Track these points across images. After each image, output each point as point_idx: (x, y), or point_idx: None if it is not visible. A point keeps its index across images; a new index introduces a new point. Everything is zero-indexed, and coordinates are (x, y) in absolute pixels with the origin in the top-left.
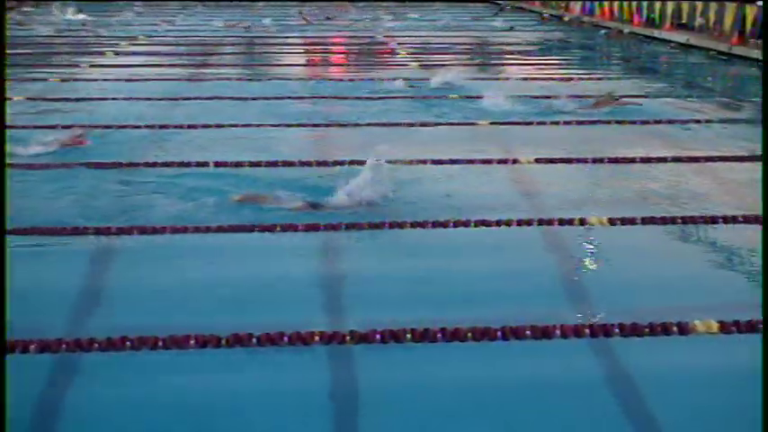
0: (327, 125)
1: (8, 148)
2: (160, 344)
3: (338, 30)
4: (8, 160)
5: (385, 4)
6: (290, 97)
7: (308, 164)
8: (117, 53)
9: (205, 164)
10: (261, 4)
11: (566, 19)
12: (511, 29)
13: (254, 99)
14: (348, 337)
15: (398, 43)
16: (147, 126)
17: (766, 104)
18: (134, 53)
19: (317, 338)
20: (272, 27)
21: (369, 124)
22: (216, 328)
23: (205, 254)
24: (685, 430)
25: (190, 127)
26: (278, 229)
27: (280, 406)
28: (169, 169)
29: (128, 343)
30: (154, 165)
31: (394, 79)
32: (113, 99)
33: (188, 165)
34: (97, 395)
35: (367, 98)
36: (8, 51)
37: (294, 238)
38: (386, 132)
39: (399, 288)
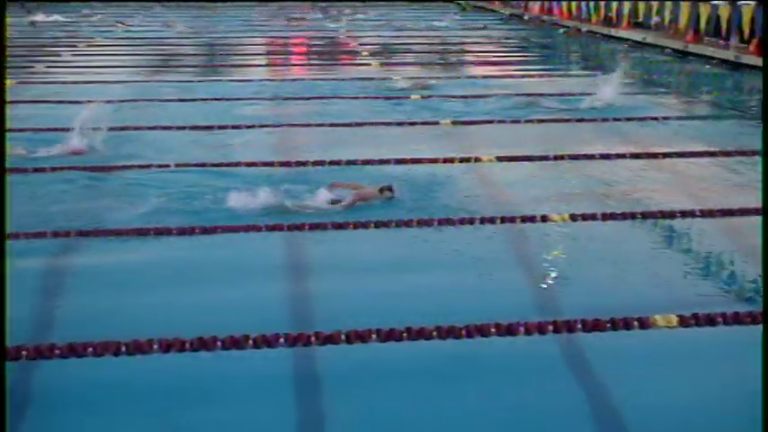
0: (290, 125)
1: None
2: (123, 349)
3: (300, 30)
4: None
5: (345, 3)
6: (249, 98)
7: (270, 164)
8: (74, 55)
9: (166, 166)
10: (220, 4)
11: (525, 18)
12: (484, 27)
13: (214, 100)
14: (313, 338)
15: (360, 43)
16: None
17: (766, 104)
18: (92, 54)
19: (281, 340)
20: (234, 27)
21: (332, 124)
22: (179, 332)
23: (167, 257)
24: (649, 423)
25: (150, 129)
26: (240, 230)
27: (246, 409)
28: (130, 171)
29: (90, 349)
30: (114, 168)
31: (355, 79)
32: (68, 102)
33: (149, 167)
34: (59, 401)
35: (329, 98)
36: None
37: (257, 239)
38: (348, 132)
39: (364, 288)
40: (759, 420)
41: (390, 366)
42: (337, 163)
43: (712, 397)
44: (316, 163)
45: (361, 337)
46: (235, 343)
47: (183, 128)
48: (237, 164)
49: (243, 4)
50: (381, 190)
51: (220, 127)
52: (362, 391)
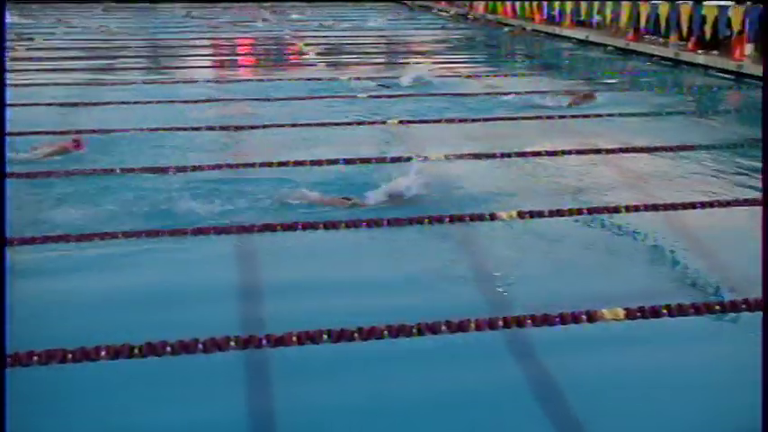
0: (236, 128)
1: None
2: (69, 356)
3: (246, 31)
4: None
5: (292, 3)
6: (194, 101)
7: (219, 167)
8: (14, 58)
9: (111, 171)
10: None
11: (470, 17)
12: (442, 27)
13: (157, 102)
14: (264, 341)
15: (306, 44)
16: (46, 132)
17: (767, 104)
18: (33, 58)
19: (232, 344)
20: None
21: (279, 125)
22: (128, 338)
23: (111, 262)
24: (598, 412)
25: (97, 132)
26: (188, 233)
27: (197, 414)
28: (79, 177)
29: (35, 357)
30: (59, 173)
31: (303, 80)
32: (13, 105)
33: (93, 173)
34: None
35: (277, 99)
36: None
37: (206, 242)
38: (297, 134)
39: (314, 289)
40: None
41: (343, 366)
42: (285, 164)
43: (659, 386)
44: (263, 164)
45: (312, 338)
46: (184, 347)
47: (127, 130)
48: (184, 168)
49: (186, 5)
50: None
51: (165, 129)
52: (315, 393)
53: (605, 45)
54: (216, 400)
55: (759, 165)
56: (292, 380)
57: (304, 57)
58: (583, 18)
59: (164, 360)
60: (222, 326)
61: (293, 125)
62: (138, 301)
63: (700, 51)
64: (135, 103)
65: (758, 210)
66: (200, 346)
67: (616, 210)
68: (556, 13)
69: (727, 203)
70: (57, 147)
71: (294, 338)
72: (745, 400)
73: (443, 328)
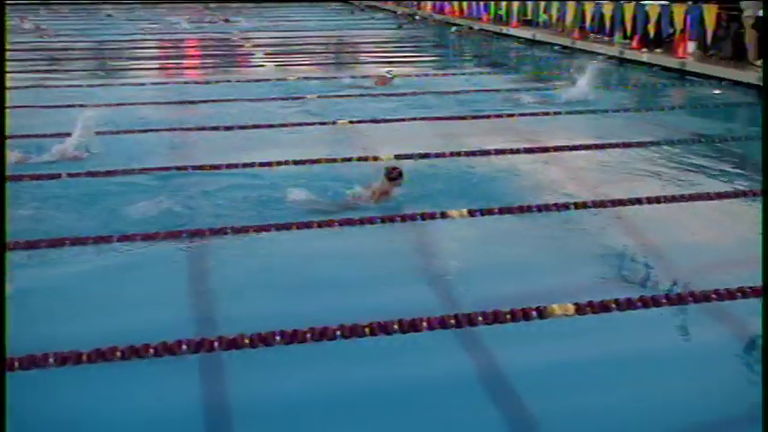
0: (185, 129)
1: None
2: (16, 364)
3: (193, 32)
4: None
5: (238, 5)
6: (143, 103)
7: (167, 169)
8: None
9: (57, 176)
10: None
11: (418, 17)
12: (400, 27)
13: (105, 105)
14: (216, 344)
15: (255, 45)
16: None
17: (766, 105)
18: None
19: (184, 347)
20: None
21: (228, 128)
22: (76, 344)
23: (57, 266)
24: (549, 407)
25: (36, 137)
26: (138, 238)
27: (149, 420)
28: (23, 182)
29: None
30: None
31: (251, 81)
32: None
33: (39, 177)
34: None
35: (223, 101)
36: None
37: (154, 245)
38: (244, 135)
39: (266, 291)
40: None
41: (296, 368)
42: (234, 166)
43: (608, 378)
44: (212, 167)
45: (264, 339)
46: (135, 352)
47: (68, 134)
48: (131, 171)
49: (132, 5)
50: (389, 176)
51: (113, 133)
52: (268, 395)
53: (552, 44)
54: (167, 405)
55: (703, 160)
56: (246, 381)
57: (251, 58)
58: (529, 17)
59: (113, 366)
60: (173, 329)
61: (242, 127)
62: (85, 307)
63: (644, 50)
64: (81, 106)
65: (703, 204)
66: (152, 350)
67: (565, 206)
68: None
69: (673, 198)
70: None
71: (246, 341)
72: (693, 390)
73: (396, 327)
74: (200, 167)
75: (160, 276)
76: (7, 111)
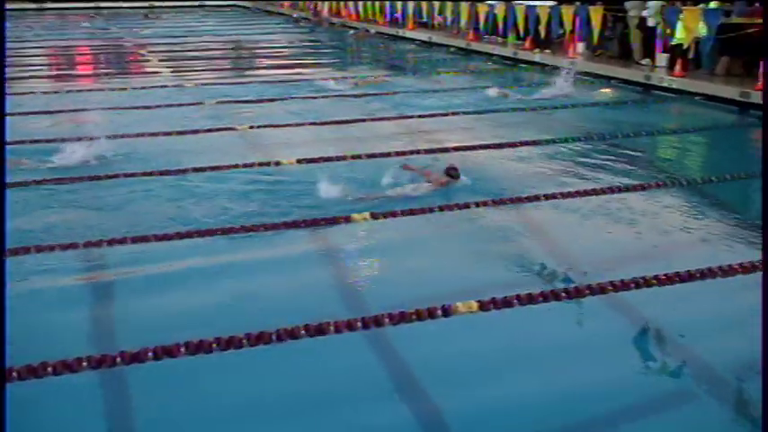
0: (80, 138)
1: None
2: None
3: (84, 39)
4: None
5: (132, 10)
6: (34, 112)
7: (60, 180)
8: None
9: None
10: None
11: (314, 20)
12: (287, 31)
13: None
14: (119, 359)
15: (150, 51)
16: None
17: (767, 106)
18: None
19: (84, 364)
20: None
21: (122, 136)
22: None
23: None
24: (456, 406)
25: None
26: (32, 251)
27: None
28: None
29: None
30: None
31: (147, 88)
32: None
33: None
34: None
35: (120, 108)
36: None
37: (48, 258)
38: (144, 143)
39: (169, 301)
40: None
41: (203, 379)
42: (132, 175)
43: (514, 372)
44: (110, 176)
45: (169, 352)
46: (32, 372)
47: None
48: (26, 183)
49: (16, 11)
50: (448, 173)
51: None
52: (175, 408)
53: (448, 46)
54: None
55: (597, 157)
56: (151, 396)
57: (148, 64)
58: (425, 20)
59: (12, 387)
60: (72, 346)
61: (139, 135)
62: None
63: (536, 50)
64: None
65: (597, 199)
66: (50, 369)
67: (466, 206)
68: (399, 15)
69: (569, 194)
70: None
71: (150, 354)
72: (594, 379)
73: (303, 332)
74: (98, 178)
75: (56, 291)
76: None
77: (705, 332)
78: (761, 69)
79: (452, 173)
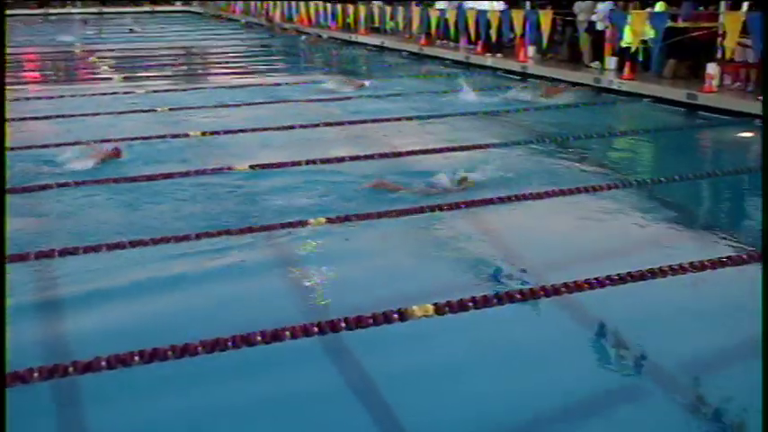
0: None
1: None
2: None
3: (31, 44)
4: None
5: (81, 15)
6: None
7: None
8: None
9: None
10: None
11: (267, 26)
12: (239, 37)
13: None
14: (71, 368)
15: (99, 57)
16: None
17: (766, 108)
18: None
19: (36, 375)
20: None
21: (75, 143)
22: None
23: None
24: (412, 404)
25: None
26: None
27: None
28: None
29: None
30: None
31: (96, 95)
32: None
33: None
34: None
35: (69, 116)
36: None
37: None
38: (90, 150)
39: (123, 310)
40: (520, 390)
41: (158, 387)
42: (82, 183)
43: (470, 374)
44: (60, 185)
45: (123, 360)
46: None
47: None
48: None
49: None
50: (460, 181)
51: None
52: (131, 417)
53: (401, 50)
54: None
55: (549, 159)
56: (105, 406)
57: (99, 70)
58: (377, 25)
59: None
60: (24, 356)
61: (87, 143)
62: None
63: (488, 54)
64: None
65: (551, 201)
66: None
67: (421, 210)
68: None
69: (523, 197)
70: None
71: (103, 363)
72: (550, 378)
73: (258, 338)
74: (48, 187)
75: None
76: None
77: (658, 331)
78: (707, 71)
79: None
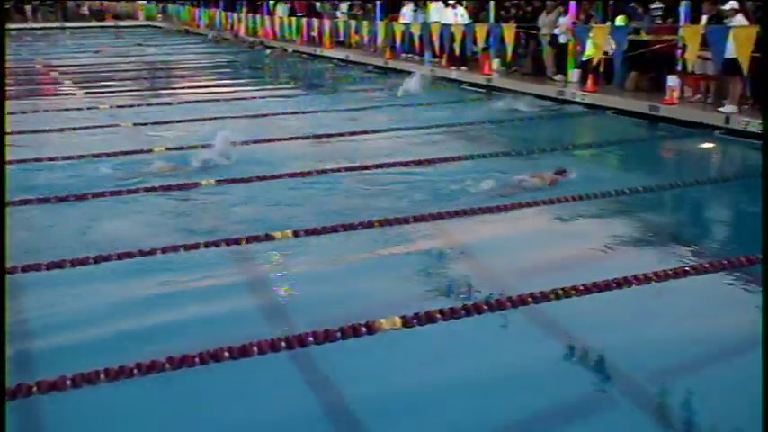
0: None
1: None
2: None
3: None
4: None
5: (42, 31)
6: None
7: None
8: None
9: None
10: None
11: (231, 40)
12: (203, 52)
13: None
14: (35, 388)
15: (62, 72)
16: None
17: (766, 111)
18: None
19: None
20: None
21: (34, 160)
22: None
23: None
24: (382, 417)
25: None
26: None
27: None
28: None
29: None
30: None
31: (60, 110)
32: None
33: None
34: None
35: (32, 132)
36: None
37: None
38: (54, 166)
39: (89, 329)
40: (487, 400)
41: (124, 405)
42: (45, 201)
43: (439, 385)
44: (23, 202)
45: (88, 379)
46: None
47: None
48: None
49: None
50: (557, 174)
51: None
52: None
53: (366, 64)
54: None
55: (515, 171)
56: (70, 425)
57: (62, 85)
58: (342, 39)
59: None
60: None
61: (51, 159)
62: None
63: (452, 67)
64: None
65: (517, 212)
66: None
67: (387, 222)
68: (315, 34)
69: (489, 210)
70: None
71: (68, 382)
72: (519, 388)
73: (226, 354)
74: (12, 203)
75: None
76: None
77: (622, 339)
78: (668, 83)
79: (560, 172)
